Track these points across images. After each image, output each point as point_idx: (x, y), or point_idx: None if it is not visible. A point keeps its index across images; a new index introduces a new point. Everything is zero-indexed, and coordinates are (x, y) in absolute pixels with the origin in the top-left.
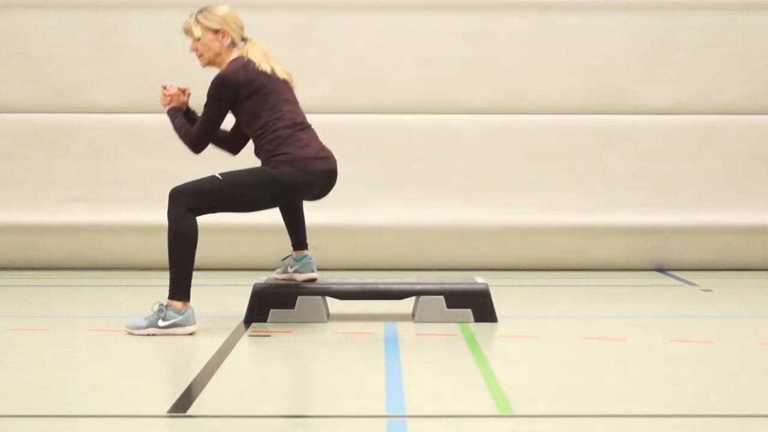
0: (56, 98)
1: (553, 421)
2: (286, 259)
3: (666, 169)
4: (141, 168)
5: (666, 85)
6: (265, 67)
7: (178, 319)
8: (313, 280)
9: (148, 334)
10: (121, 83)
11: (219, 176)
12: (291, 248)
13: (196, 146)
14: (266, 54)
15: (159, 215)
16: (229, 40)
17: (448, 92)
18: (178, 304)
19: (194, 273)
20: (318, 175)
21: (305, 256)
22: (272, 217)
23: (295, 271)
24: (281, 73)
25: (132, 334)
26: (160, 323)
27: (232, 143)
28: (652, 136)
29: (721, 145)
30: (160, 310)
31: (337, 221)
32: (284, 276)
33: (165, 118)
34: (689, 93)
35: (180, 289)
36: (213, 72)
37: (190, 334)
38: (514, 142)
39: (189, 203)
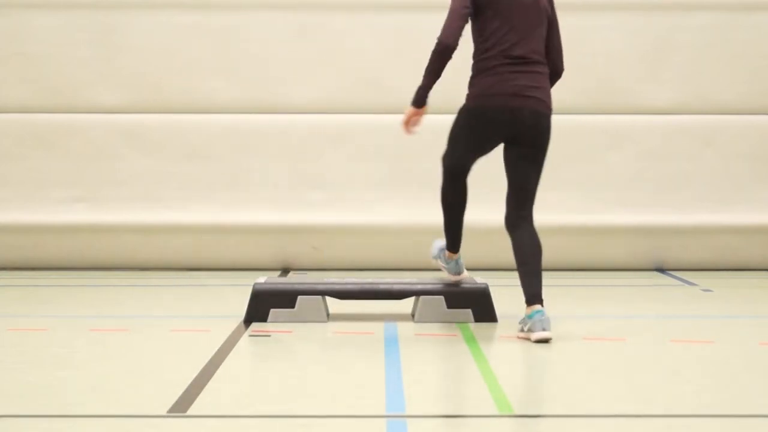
0: (56, 98)
1: (553, 421)
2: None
3: (666, 169)
4: (141, 168)
5: (666, 85)
6: None
7: (447, 266)
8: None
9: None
10: (121, 83)
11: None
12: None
13: (444, 36)
14: None
15: (159, 215)
16: None
17: (448, 92)
18: (451, 255)
19: (194, 273)
20: (488, 112)
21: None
22: (273, 217)
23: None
24: None
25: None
26: (440, 262)
27: None
28: (652, 136)
29: (721, 145)
30: (440, 250)
31: (337, 221)
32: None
33: (165, 118)
34: (689, 93)
35: (451, 244)
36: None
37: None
38: None
39: (445, 165)
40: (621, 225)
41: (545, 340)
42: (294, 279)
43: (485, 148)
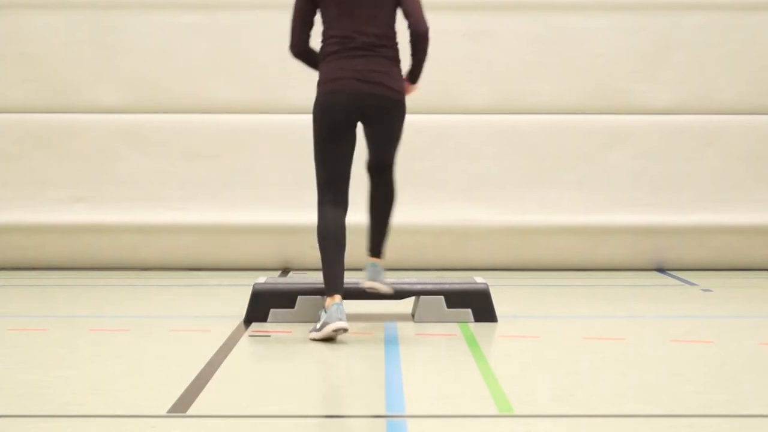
0: (56, 98)
1: (553, 421)
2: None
3: (666, 169)
4: (141, 168)
5: (666, 85)
6: None
7: (325, 317)
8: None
9: (314, 339)
10: (121, 83)
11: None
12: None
13: (291, 45)
14: None
15: (159, 215)
16: None
17: (448, 92)
18: (327, 301)
19: (194, 273)
20: (326, 100)
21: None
22: (273, 217)
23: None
24: None
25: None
26: (317, 326)
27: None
28: (652, 136)
29: (721, 145)
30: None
31: None
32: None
33: (165, 118)
34: (689, 93)
35: (325, 285)
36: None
37: (338, 330)
38: (514, 142)
39: (318, 192)
40: (621, 225)
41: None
42: (294, 279)
43: (340, 142)
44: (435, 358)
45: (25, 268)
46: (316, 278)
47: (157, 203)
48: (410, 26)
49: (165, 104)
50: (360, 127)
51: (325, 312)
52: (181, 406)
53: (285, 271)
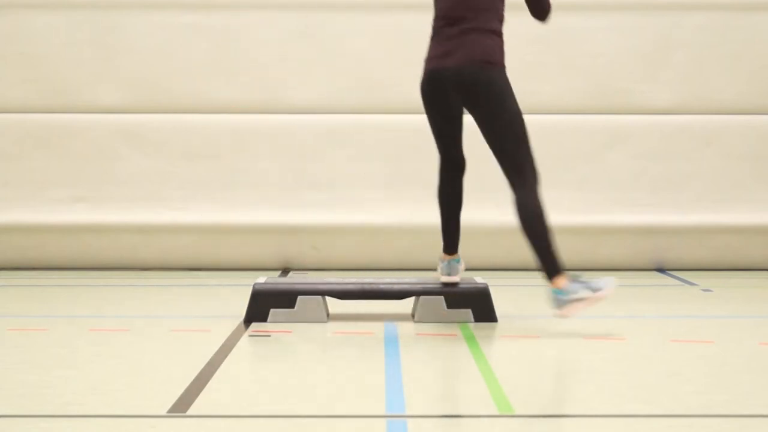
0: (56, 98)
1: (553, 421)
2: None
3: (666, 169)
4: (141, 168)
5: (666, 85)
6: None
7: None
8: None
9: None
10: (121, 83)
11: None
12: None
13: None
14: None
15: (159, 215)
16: None
17: None
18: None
19: (194, 273)
20: (426, 78)
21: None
22: (273, 217)
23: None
24: None
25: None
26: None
27: None
28: (652, 136)
29: (721, 145)
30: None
31: (337, 221)
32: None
33: (165, 118)
34: (689, 93)
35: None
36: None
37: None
38: None
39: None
40: (621, 225)
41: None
42: (294, 279)
43: (443, 123)
44: (435, 358)
45: (25, 268)
46: (317, 278)
47: (157, 203)
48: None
49: (165, 104)
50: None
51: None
52: (181, 406)
53: (285, 271)
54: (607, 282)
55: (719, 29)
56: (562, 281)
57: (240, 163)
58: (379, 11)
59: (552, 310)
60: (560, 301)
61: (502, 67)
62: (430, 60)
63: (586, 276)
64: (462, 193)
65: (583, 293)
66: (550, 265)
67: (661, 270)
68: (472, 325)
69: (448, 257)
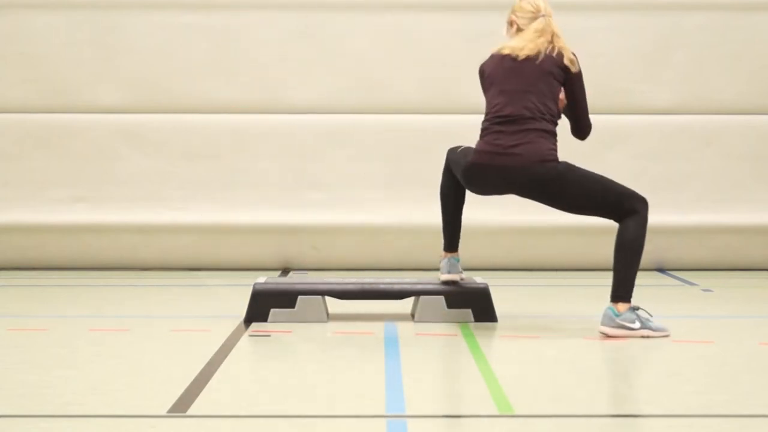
0: (56, 98)
1: (553, 421)
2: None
3: (666, 169)
4: (141, 168)
5: (666, 85)
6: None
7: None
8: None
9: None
10: (121, 83)
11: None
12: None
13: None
14: (539, 31)
15: (159, 215)
16: (514, 28)
17: (448, 92)
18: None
19: (194, 273)
20: (468, 168)
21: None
22: (273, 217)
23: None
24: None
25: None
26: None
27: None
28: (652, 136)
29: (721, 145)
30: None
31: (337, 221)
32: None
33: (165, 118)
34: (689, 93)
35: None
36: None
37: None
38: None
39: (448, 158)
40: None
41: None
42: (294, 279)
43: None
44: (435, 358)
45: (25, 268)
46: (317, 278)
47: (157, 203)
48: (575, 120)
49: (165, 104)
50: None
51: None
52: (181, 406)
53: (285, 271)
54: (661, 327)
55: (719, 29)
56: (623, 306)
57: (240, 163)
58: (379, 11)
59: (600, 326)
60: (611, 320)
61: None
62: (477, 153)
63: (645, 312)
64: (465, 191)
65: (635, 325)
66: (622, 289)
67: (661, 270)
68: (472, 325)
69: (448, 255)
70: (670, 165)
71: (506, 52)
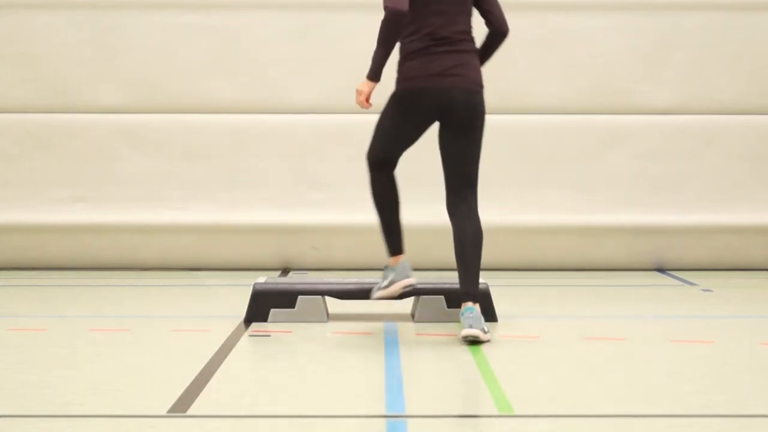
0: (56, 98)
1: (553, 421)
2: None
3: (666, 169)
4: (141, 168)
5: (666, 85)
6: None
7: (392, 275)
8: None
9: (379, 298)
10: (121, 83)
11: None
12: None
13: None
14: None
15: (159, 215)
16: None
17: None
18: (393, 260)
19: (194, 273)
20: (414, 95)
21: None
22: (273, 217)
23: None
24: None
25: (379, 299)
26: (384, 284)
27: None
28: (652, 136)
29: (721, 145)
30: (385, 270)
31: (337, 221)
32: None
33: (165, 118)
34: (689, 93)
35: (390, 246)
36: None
37: (408, 286)
38: (514, 142)
39: (370, 159)
40: (621, 225)
41: (474, 339)
42: (294, 279)
43: (413, 135)
44: (435, 358)
45: (25, 268)
46: (317, 278)
47: (157, 203)
48: (495, 24)
49: (165, 104)
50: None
51: (392, 270)
52: (181, 406)
53: (285, 271)
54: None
55: (719, 29)
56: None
57: (240, 163)
58: (379, 11)
59: (472, 329)
60: (480, 321)
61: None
62: (425, 78)
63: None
64: (398, 186)
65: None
66: (475, 282)
67: (661, 270)
68: None
69: (400, 258)
70: (670, 165)
71: None
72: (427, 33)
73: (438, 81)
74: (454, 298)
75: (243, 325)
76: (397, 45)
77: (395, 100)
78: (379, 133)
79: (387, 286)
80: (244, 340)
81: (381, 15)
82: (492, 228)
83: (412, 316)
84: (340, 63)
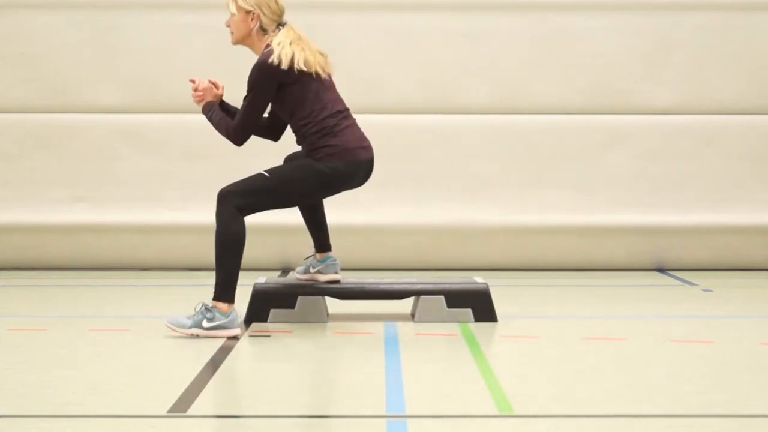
0: (56, 98)
1: (553, 421)
2: (309, 259)
3: (666, 169)
4: (141, 168)
5: (666, 85)
6: (298, 55)
7: (223, 321)
8: (336, 282)
9: (191, 335)
10: (121, 83)
11: (266, 174)
12: (314, 249)
13: (240, 138)
14: (299, 38)
15: (159, 215)
16: (257, 24)
17: (448, 92)
18: (223, 306)
19: (194, 273)
20: (362, 165)
21: (329, 257)
22: (273, 217)
23: (318, 272)
24: (314, 62)
25: (174, 331)
26: (205, 324)
27: (272, 131)
28: (652, 136)
29: (721, 145)
30: (206, 310)
31: (337, 221)
32: (306, 276)
33: (165, 118)
34: (689, 93)
35: (227, 291)
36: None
37: (234, 337)
38: (514, 142)
39: (239, 203)
40: (621, 225)
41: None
42: (294, 279)
43: (325, 196)
44: (435, 358)
45: (25, 268)
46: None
47: (157, 203)
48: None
49: (165, 104)
50: None
51: (223, 315)
52: (181, 406)
53: (285, 271)
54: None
55: (719, 29)
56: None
57: (240, 163)
58: (379, 11)
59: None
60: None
61: None
62: (365, 149)
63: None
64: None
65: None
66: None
67: (661, 270)
68: (472, 325)
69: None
70: (670, 165)
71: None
72: (338, 109)
73: (371, 150)
74: (454, 298)
75: (243, 325)
76: (299, 125)
77: (320, 175)
78: (267, 194)
79: (209, 328)
80: (244, 340)
81: (381, 15)
82: (492, 228)
83: (412, 316)
84: (340, 63)
